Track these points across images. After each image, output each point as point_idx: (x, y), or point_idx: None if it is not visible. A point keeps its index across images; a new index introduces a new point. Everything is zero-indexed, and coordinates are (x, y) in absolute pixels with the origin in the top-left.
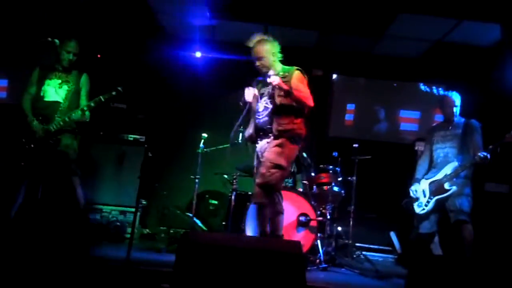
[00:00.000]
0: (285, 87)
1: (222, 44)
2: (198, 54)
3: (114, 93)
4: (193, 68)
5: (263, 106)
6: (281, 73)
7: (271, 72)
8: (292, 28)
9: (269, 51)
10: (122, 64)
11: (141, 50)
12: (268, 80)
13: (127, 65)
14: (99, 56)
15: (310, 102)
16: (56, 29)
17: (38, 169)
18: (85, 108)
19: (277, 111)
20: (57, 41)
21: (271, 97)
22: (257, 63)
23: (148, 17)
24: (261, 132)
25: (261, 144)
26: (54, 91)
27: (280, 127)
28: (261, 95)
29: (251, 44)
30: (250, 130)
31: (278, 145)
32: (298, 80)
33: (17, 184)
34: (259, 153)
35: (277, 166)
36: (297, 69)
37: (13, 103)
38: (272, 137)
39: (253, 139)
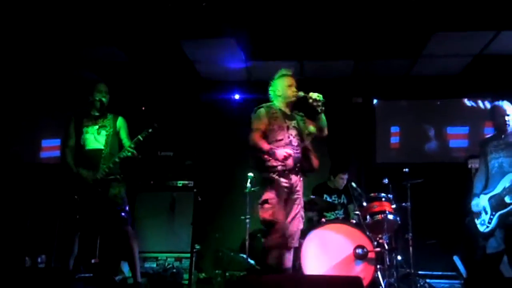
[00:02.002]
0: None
1: (259, 84)
2: (236, 96)
3: (150, 130)
4: (234, 110)
5: (297, 141)
6: (300, 116)
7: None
8: (327, 60)
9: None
10: (166, 113)
11: (183, 97)
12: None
13: (170, 114)
14: (143, 108)
15: None
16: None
17: (92, 221)
18: (125, 152)
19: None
20: (104, 99)
21: (300, 134)
22: (294, 91)
23: (187, 66)
24: (296, 168)
25: (294, 180)
26: (94, 138)
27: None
28: (287, 127)
29: (290, 72)
30: (289, 162)
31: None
32: None
33: (72, 237)
34: (292, 188)
35: None
36: None
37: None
38: (301, 177)
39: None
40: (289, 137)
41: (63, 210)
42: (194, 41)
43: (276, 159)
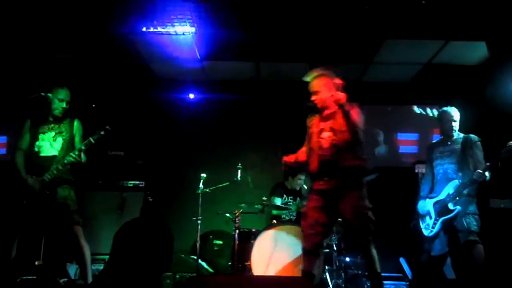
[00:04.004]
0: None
1: (214, 84)
2: (191, 96)
3: (102, 132)
4: (187, 109)
5: (329, 143)
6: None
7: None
8: (282, 63)
9: (326, 85)
10: (117, 112)
11: (135, 96)
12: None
13: (121, 112)
14: (93, 106)
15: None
16: (50, 82)
17: (38, 223)
18: (76, 153)
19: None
20: (50, 95)
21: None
22: (313, 98)
23: (140, 63)
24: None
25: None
26: (49, 144)
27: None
28: (321, 131)
29: (308, 78)
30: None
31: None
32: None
33: (11, 240)
34: (325, 194)
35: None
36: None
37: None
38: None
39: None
40: (319, 142)
41: (6, 212)
42: (148, 38)
43: None
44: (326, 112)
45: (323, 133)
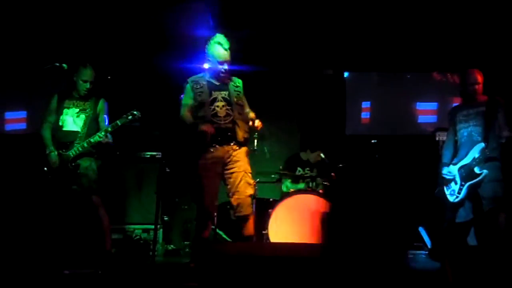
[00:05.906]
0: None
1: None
2: (206, 66)
3: (130, 117)
4: None
5: (225, 112)
6: (235, 84)
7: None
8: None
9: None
10: (133, 82)
11: (150, 66)
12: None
13: (137, 83)
14: (108, 77)
15: None
16: (67, 53)
17: (61, 194)
18: (102, 133)
19: (242, 119)
20: (65, 65)
21: (230, 105)
22: (225, 68)
23: (154, 32)
24: (221, 137)
25: (222, 151)
26: (72, 120)
27: (245, 135)
28: (214, 99)
29: (227, 45)
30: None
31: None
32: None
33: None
34: (222, 160)
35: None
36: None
37: (33, 132)
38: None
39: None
40: (214, 110)
41: (28, 184)
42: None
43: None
44: (223, 82)
45: (216, 102)
